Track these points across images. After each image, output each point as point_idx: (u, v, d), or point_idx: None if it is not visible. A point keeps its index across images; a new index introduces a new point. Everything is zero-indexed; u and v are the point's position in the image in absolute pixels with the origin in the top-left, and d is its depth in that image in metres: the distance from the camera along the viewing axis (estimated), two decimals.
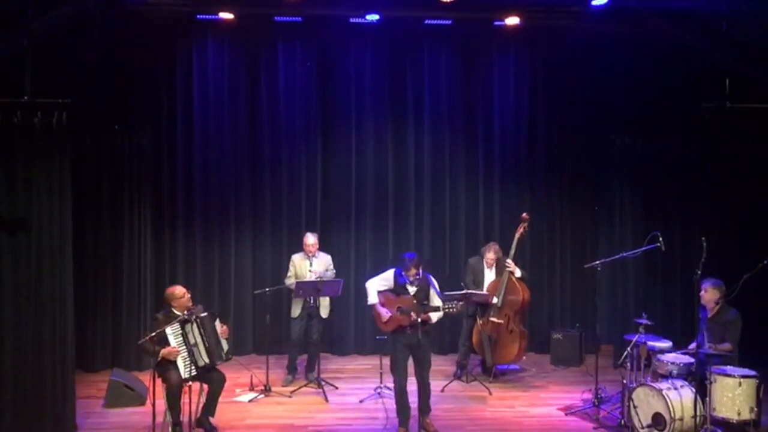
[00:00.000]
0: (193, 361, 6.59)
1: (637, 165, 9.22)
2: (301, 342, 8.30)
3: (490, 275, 8.36)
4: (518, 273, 8.23)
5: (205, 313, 6.84)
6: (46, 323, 6.64)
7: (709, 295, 6.91)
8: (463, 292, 7.75)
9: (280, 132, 9.40)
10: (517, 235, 8.27)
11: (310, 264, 8.20)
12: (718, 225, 8.80)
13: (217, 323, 6.88)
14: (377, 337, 7.76)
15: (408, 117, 9.55)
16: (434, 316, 6.65)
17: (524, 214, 8.37)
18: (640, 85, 9.08)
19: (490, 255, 8.34)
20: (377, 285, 6.84)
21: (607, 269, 8.40)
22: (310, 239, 8.26)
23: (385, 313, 6.70)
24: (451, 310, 6.56)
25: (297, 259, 8.31)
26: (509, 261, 8.20)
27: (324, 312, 8.23)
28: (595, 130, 9.54)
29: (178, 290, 6.86)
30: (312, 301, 8.10)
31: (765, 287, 7.52)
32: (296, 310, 8.19)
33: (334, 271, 8.39)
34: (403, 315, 6.59)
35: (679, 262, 8.90)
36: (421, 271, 6.71)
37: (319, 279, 8.00)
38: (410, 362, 6.75)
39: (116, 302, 8.81)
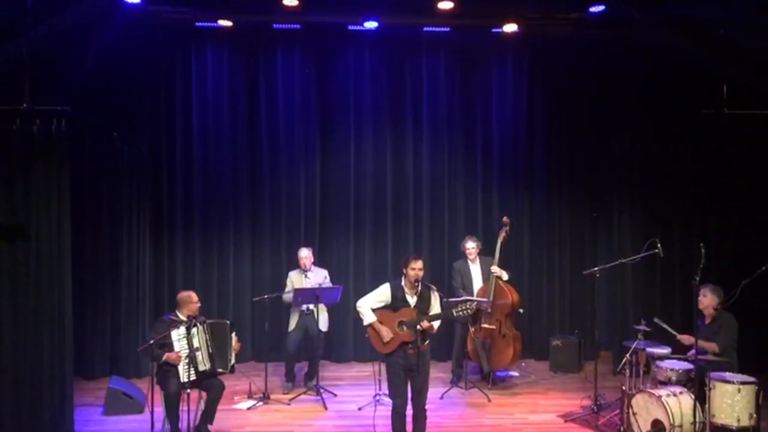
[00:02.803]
0: (194, 365, 6.59)
1: (636, 171, 9.20)
2: (296, 354, 8.28)
3: (477, 275, 8.36)
4: (505, 276, 8.21)
5: (227, 322, 6.91)
6: (45, 331, 6.65)
7: (708, 300, 6.89)
8: (472, 299, 7.73)
9: (278, 138, 9.40)
10: (499, 240, 8.27)
11: (306, 278, 8.21)
12: (716, 231, 8.80)
13: (233, 337, 6.88)
14: None
15: (407, 124, 9.56)
16: (436, 325, 6.33)
17: (505, 218, 8.37)
18: (639, 91, 9.10)
19: (470, 244, 8.34)
20: (371, 303, 6.25)
21: (606, 275, 8.39)
22: (304, 252, 8.29)
23: (386, 332, 6.13)
24: (464, 312, 6.21)
25: (294, 275, 8.32)
26: (495, 267, 8.18)
27: (323, 325, 8.20)
28: (594, 136, 9.54)
29: (194, 296, 6.89)
30: (308, 310, 8.06)
31: (763, 293, 7.51)
32: (292, 324, 8.19)
33: (330, 285, 8.35)
34: (409, 330, 6.11)
35: (678, 268, 8.90)
36: (420, 281, 6.35)
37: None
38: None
39: (115, 310, 8.79)
